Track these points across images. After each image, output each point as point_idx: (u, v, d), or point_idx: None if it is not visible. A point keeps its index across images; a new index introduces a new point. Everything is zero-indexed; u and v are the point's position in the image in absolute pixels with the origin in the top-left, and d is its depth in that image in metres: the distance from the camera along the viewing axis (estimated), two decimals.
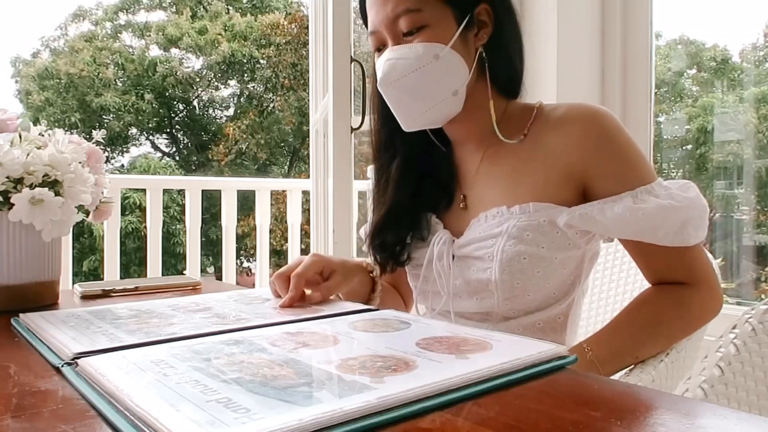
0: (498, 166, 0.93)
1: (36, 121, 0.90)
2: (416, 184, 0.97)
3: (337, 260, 0.93)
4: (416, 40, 0.86)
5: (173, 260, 10.71)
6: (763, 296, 3.39)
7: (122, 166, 14.74)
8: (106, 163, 0.97)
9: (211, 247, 11.22)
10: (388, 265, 0.99)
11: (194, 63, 14.94)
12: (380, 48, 0.92)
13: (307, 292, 0.86)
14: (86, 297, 0.94)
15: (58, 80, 13.52)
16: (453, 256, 0.92)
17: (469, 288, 0.91)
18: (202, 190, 3.26)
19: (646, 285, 0.91)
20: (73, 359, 0.54)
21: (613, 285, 1.24)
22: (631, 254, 0.92)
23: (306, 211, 3.20)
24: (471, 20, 0.88)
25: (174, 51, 14.67)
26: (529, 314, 0.90)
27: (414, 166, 0.98)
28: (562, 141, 0.88)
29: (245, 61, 14.32)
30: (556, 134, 0.89)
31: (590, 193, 0.87)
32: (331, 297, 0.88)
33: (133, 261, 10.67)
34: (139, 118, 14.05)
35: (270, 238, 3.50)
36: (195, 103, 15.21)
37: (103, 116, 13.80)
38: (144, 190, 3.21)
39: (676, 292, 0.86)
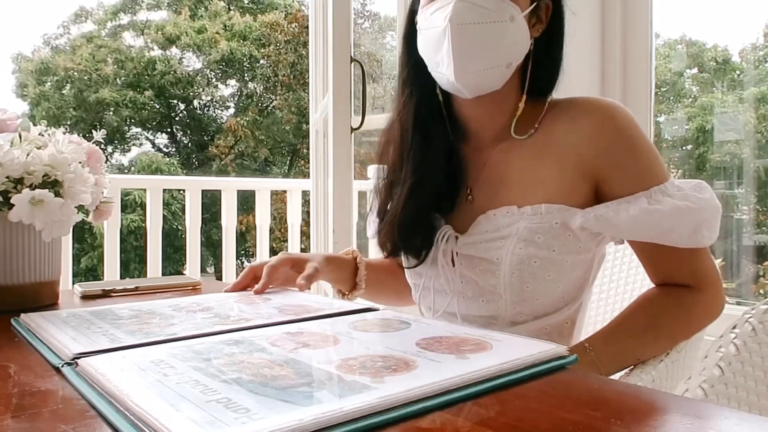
0: (508, 162, 0.90)
1: (33, 119, 0.89)
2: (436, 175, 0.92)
3: (308, 254, 0.98)
4: None
5: (176, 257, 10.72)
6: (761, 291, 3.38)
7: (122, 165, 14.74)
8: (105, 163, 0.97)
9: (212, 247, 11.23)
10: (407, 258, 0.96)
11: (194, 62, 14.95)
12: None
13: (293, 290, 0.90)
14: (86, 297, 0.94)
15: (54, 75, 13.55)
16: (456, 253, 0.90)
17: (475, 288, 0.89)
18: (202, 190, 3.26)
19: (648, 285, 0.91)
20: (73, 359, 0.54)
21: (613, 285, 1.24)
22: (638, 255, 0.90)
23: (306, 212, 3.20)
24: (536, 8, 0.86)
25: (173, 50, 14.69)
26: (537, 319, 0.88)
27: (438, 154, 0.93)
28: (576, 135, 0.86)
29: (244, 60, 14.33)
30: (569, 128, 0.86)
31: (602, 191, 0.86)
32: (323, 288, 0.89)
33: (133, 259, 10.67)
34: (138, 116, 14.05)
35: (270, 239, 3.50)
36: (195, 102, 15.22)
37: (100, 113, 13.82)
38: (144, 190, 3.21)
39: (680, 295, 0.85)
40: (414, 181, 0.92)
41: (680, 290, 0.86)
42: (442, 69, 0.85)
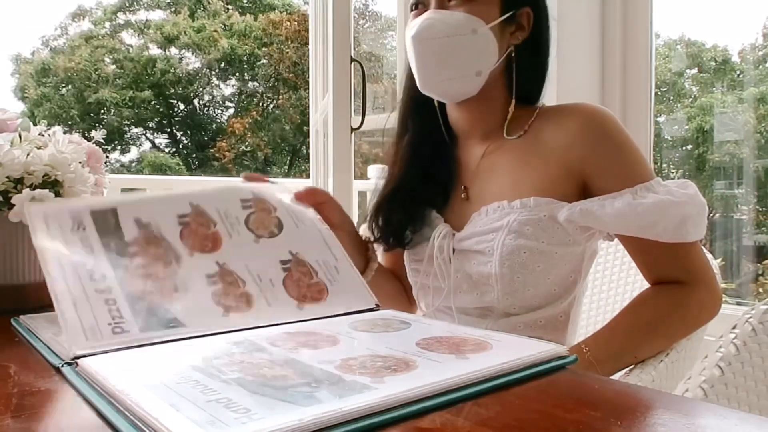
0: (499, 161, 0.94)
1: (34, 121, 0.89)
2: (423, 168, 0.99)
3: (345, 218, 0.96)
4: (459, 9, 0.88)
5: None
6: (760, 290, 3.39)
7: (121, 165, 14.74)
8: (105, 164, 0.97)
9: None
10: (388, 241, 0.99)
11: (193, 62, 14.95)
12: (418, 5, 0.93)
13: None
14: None
15: (55, 77, 13.54)
16: (453, 250, 0.93)
17: (469, 282, 0.91)
18: None
19: (646, 285, 0.91)
20: (73, 359, 0.53)
21: (613, 285, 1.24)
22: (630, 253, 0.93)
23: None
24: (512, 17, 0.91)
25: (173, 50, 14.68)
26: (531, 311, 0.90)
27: (421, 148, 1.00)
28: (562, 137, 0.89)
29: (245, 59, 14.32)
30: (556, 130, 0.90)
31: (590, 190, 0.88)
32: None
33: None
34: (138, 116, 14.04)
35: None
36: (195, 101, 15.22)
37: (100, 113, 13.81)
38: (145, 190, 3.20)
39: (674, 292, 0.87)
40: (395, 172, 1.00)
41: (675, 288, 0.87)
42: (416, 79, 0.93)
